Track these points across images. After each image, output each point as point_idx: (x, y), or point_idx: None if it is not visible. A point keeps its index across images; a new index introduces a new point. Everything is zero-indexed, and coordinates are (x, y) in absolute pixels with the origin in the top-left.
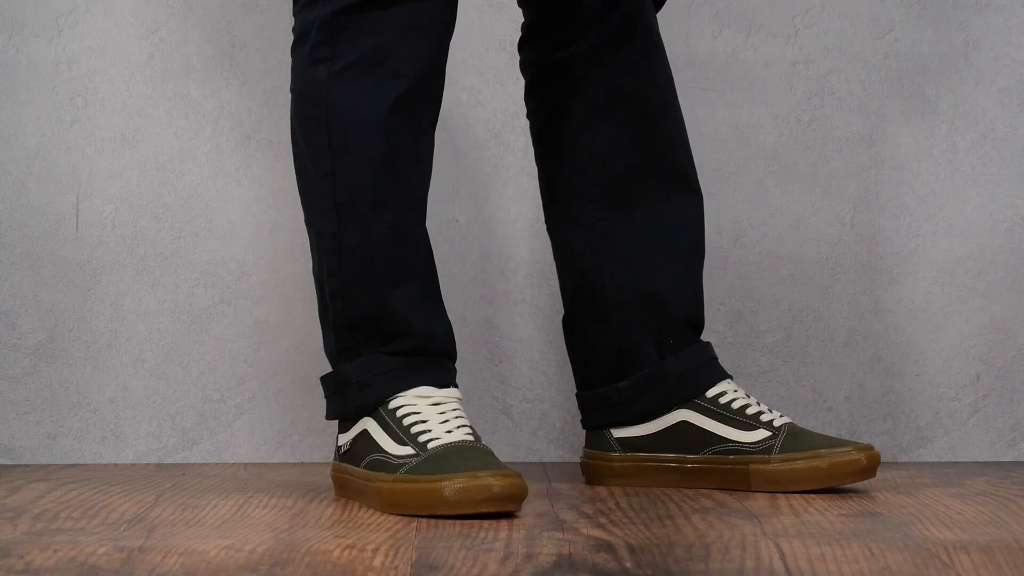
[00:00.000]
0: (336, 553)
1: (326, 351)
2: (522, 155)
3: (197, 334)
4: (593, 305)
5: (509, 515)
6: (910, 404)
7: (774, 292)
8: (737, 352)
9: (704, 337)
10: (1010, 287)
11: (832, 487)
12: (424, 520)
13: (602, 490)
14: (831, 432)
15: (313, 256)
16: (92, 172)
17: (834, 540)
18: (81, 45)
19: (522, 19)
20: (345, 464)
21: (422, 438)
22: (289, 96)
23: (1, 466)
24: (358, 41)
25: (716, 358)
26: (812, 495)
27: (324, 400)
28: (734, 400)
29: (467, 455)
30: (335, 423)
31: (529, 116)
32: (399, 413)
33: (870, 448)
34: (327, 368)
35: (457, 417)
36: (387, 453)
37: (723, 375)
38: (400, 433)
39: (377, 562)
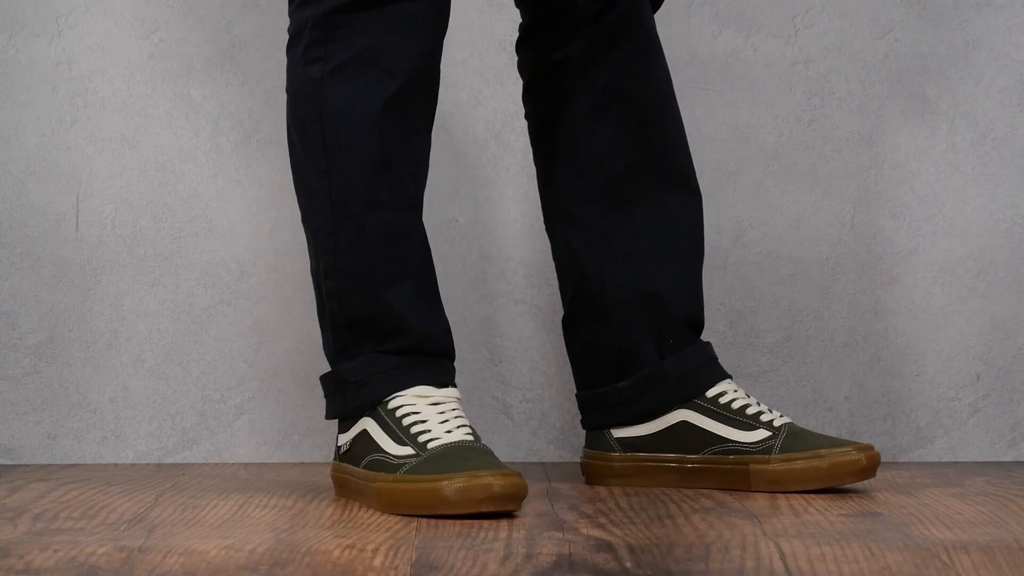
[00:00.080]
0: (336, 553)
1: (325, 350)
2: (522, 155)
3: (197, 334)
4: (593, 305)
5: (509, 515)
6: (910, 404)
7: (774, 292)
8: (737, 352)
9: (704, 337)
10: (1010, 287)
11: (832, 487)
12: (424, 520)
13: (602, 490)
14: (831, 432)
15: (310, 255)
16: (92, 172)
17: (834, 540)
18: (81, 45)
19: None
20: (345, 464)
21: (422, 438)
22: None
23: (1, 466)
24: (351, 40)
25: (716, 358)
26: (812, 495)
27: (324, 400)
28: (734, 400)
29: (467, 455)
30: (335, 423)
31: (527, 116)
32: (399, 413)
33: (870, 448)
34: (327, 368)
35: (457, 417)
36: (387, 453)
37: (723, 375)
38: (400, 433)
39: (377, 562)
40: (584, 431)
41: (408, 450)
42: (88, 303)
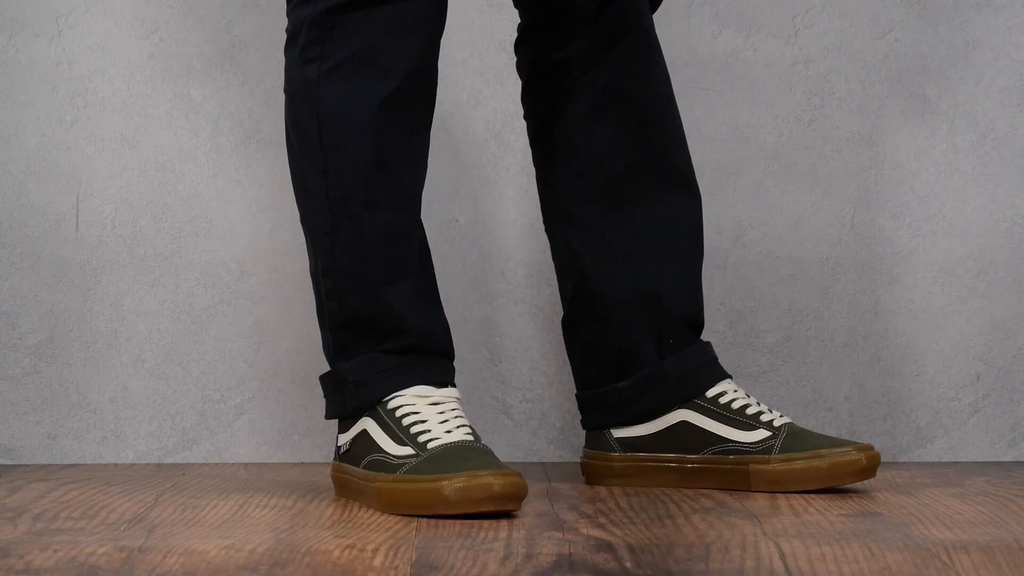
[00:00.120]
0: (336, 553)
1: (324, 350)
2: (522, 155)
3: (197, 334)
4: (593, 305)
5: (509, 515)
6: (910, 404)
7: (774, 292)
8: (737, 352)
9: (704, 337)
10: (1010, 287)
11: (832, 487)
12: (424, 520)
13: (602, 490)
14: (831, 432)
15: (309, 255)
16: (92, 172)
17: (834, 540)
18: (81, 45)
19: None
20: (345, 464)
21: (422, 438)
22: None
23: (1, 466)
24: (348, 40)
25: (716, 358)
26: (812, 495)
27: (324, 400)
28: (734, 400)
29: (467, 455)
30: (335, 423)
31: (526, 117)
32: (398, 413)
33: (870, 448)
34: (327, 368)
35: (456, 417)
36: (387, 453)
37: (723, 375)
38: (399, 433)
39: (377, 562)
40: (584, 431)
41: (408, 450)
42: (88, 303)
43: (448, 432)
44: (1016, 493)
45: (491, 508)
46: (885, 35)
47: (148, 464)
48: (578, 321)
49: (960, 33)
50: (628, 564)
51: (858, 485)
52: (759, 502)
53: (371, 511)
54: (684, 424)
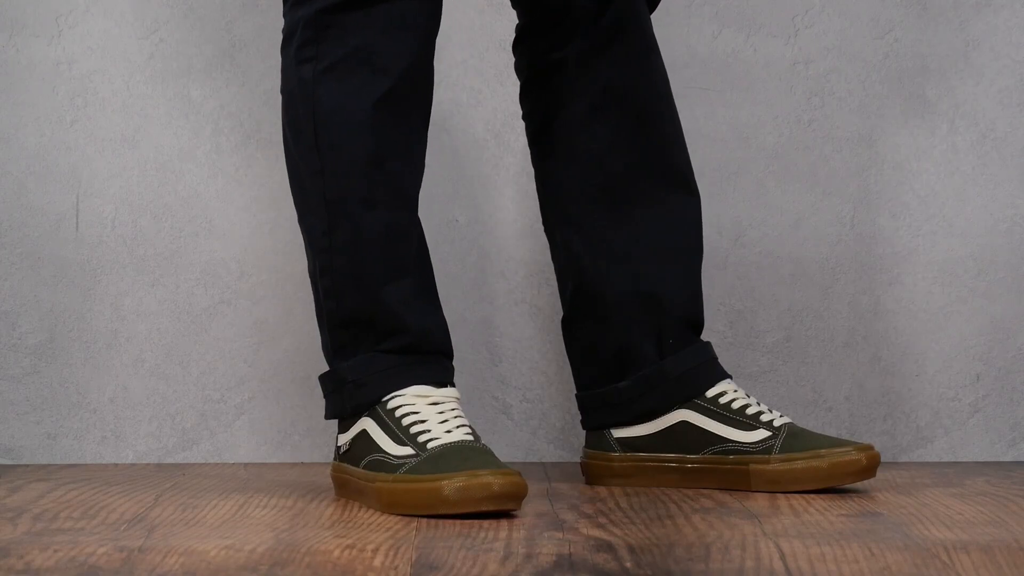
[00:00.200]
0: (336, 553)
1: (323, 350)
2: (522, 155)
3: (197, 334)
4: (592, 306)
5: (509, 515)
6: (910, 404)
7: (774, 292)
8: (737, 352)
9: (704, 337)
10: (1010, 287)
11: (832, 487)
12: (424, 520)
13: (602, 490)
14: (831, 432)
15: (307, 255)
16: (92, 172)
17: (834, 540)
18: (81, 45)
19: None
20: (345, 464)
21: (421, 438)
22: None
23: (1, 466)
24: (343, 39)
25: (716, 358)
26: (812, 495)
27: (324, 400)
28: (734, 400)
29: (466, 454)
30: (335, 423)
31: (525, 118)
32: (398, 413)
33: (870, 448)
34: (327, 368)
35: (456, 417)
36: (386, 453)
37: (723, 375)
38: (399, 433)
39: (377, 562)
40: (584, 431)
41: (408, 450)
42: (88, 303)
43: (448, 432)
44: (1016, 493)
45: (491, 507)
46: (885, 35)
47: (148, 464)
48: (578, 321)
49: (960, 33)
50: (628, 564)
51: (858, 485)
52: (759, 502)
53: (371, 511)
54: (684, 424)
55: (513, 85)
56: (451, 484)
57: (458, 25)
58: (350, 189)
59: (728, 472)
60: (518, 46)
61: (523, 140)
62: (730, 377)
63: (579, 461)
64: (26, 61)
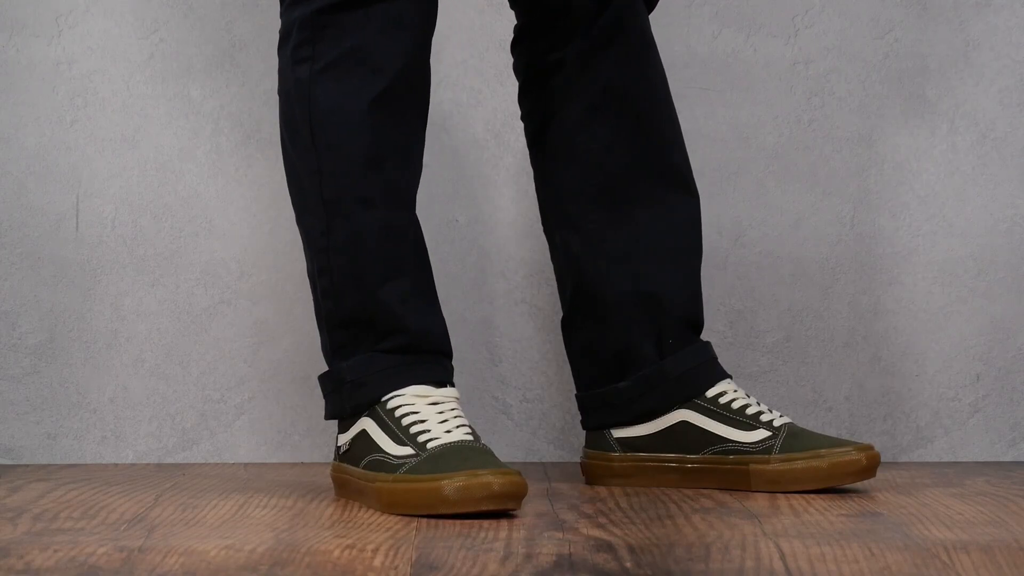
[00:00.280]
0: (336, 553)
1: (322, 350)
2: (522, 155)
3: (197, 334)
4: (592, 306)
5: (509, 515)
6: (910, 404)
7: (774, 292)
8: (737, 352)
9: (704, 337)
10: (1010, 287)
11: (832, 487)
12: (424, 520)
13: (602, 490)
14: (831, 432)
15: (306, 255)
16: (92, 172)
17: (834, 540)
18: (81, 45)
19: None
20: (345, 464)
21: (421, 438)
22: None
23: (1, 466)
24: (339, 39)
25: (716, 358)
26: (812, 495)
27: (324, 400)
28: (734, 400)
29: (466, 454)
30: (335, 423)
31: (523, 118)
32: (398, 413)
33: (870, 448)
34: (327, 368)
35: (456, 417)
36: (386, 453)
37: (723, 375)
38: (399, 433)
39: (377, 562)
40: (584, 431)
41: (408, 450)
42: (88, 303)
43: (448, 432)
44: (1016, 493)
45: (491, 507)
46: (885, 35)
47: (148, 464)
48: (578, 321)
49: (960, 33)
50: (628, 564)
51: (858, 485)
52: (759, 502)
53: (371, 511)
54: (684, 424)
55: (513, 85)
56: (451, 484)
57: (458, 25)
58: (347, 189)
59: (728, 472)
60: (517, 46)
61: (523, 140)
62: (730, 377)
63: (579, 461)
64: (26, 61)
